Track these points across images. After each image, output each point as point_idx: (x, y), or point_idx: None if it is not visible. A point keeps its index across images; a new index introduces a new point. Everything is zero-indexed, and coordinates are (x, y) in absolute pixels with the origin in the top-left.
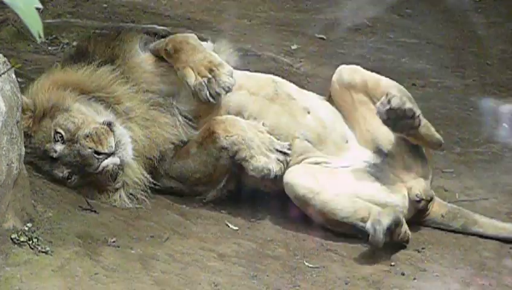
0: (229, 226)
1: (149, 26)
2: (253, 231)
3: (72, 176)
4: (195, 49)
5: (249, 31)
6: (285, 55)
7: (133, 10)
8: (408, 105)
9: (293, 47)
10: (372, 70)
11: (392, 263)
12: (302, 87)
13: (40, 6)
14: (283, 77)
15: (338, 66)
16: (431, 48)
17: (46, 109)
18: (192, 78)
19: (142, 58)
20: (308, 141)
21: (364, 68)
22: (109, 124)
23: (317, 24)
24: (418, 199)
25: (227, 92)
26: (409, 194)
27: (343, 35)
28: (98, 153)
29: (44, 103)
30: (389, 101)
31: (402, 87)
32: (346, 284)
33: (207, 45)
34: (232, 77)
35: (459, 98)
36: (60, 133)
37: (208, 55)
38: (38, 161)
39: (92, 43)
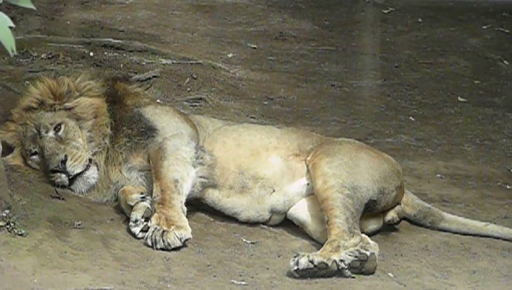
0: None
1: (106, 40)
2: (199, 213)
3: (35, 156)
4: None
5: (191, 42)
6: (222, 62)
7: (92, 27)
8: (317, 260)
9: (229, 55)
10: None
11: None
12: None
13: (12, 25)
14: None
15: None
16: (346, 54)
17: (74, 108)
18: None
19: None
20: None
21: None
22: (90, 160)
23: (249, 35)
24: (393, 222)
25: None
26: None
27: (271, 44)
28: (63, 163)
29: (80, 106)
30: (297, 263)
31: (350, 202)
32: (278, 256)
33: None
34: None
35: (372, 96)
36: (61, 128)
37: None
38: (29, 125)
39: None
